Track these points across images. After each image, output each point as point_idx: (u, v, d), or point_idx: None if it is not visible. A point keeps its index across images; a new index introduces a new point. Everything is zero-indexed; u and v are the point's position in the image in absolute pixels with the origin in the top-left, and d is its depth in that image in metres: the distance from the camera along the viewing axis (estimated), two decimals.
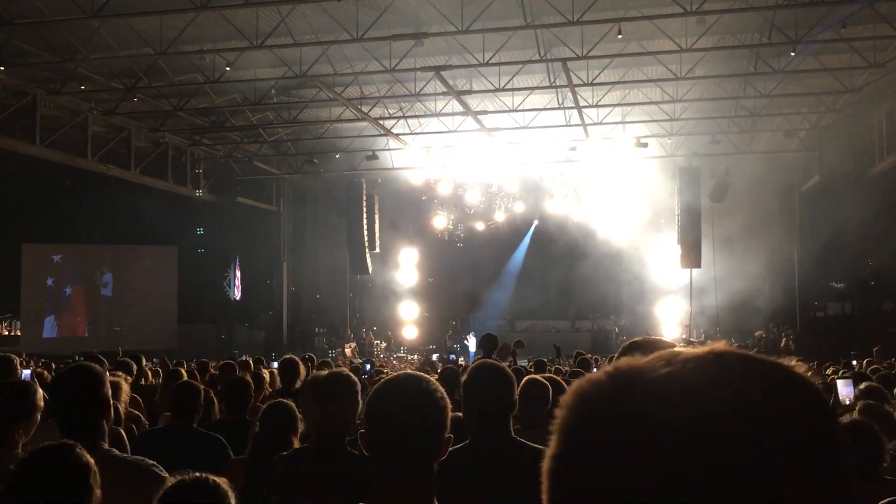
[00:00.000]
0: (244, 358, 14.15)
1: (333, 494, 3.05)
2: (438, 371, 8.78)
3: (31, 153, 20.60)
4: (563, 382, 5.13)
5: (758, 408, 0.63)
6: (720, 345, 0.70)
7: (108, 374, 3.38)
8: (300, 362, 6.88)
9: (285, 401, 4.28)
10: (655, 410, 0.63)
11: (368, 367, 10.72)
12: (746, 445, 0.61)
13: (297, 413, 4.10)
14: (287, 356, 7.28)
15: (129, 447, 4.15)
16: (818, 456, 0.63)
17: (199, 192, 26.38)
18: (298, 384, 6.29)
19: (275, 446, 3.77)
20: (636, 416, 0.64)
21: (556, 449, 0.68)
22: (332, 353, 26.41)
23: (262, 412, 4.29)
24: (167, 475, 2.65)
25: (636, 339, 2.15)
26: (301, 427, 4.08)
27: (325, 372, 3.44)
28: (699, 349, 0.69)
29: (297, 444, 3.92)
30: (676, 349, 0.70)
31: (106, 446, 2.97)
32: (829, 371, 10.71)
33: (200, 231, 30.08)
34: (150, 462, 2.94)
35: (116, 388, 4.99)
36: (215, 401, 5.82)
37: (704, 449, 0.61)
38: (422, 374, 2.16)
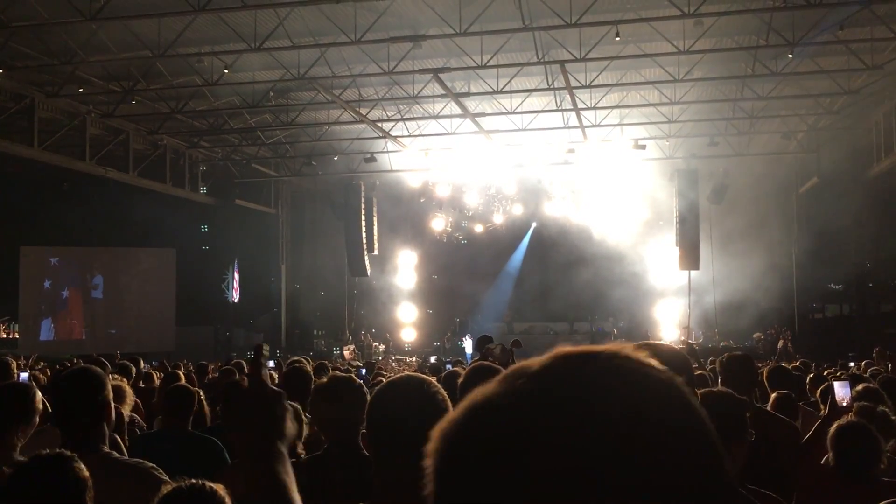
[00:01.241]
0: (241, 360, 14.10)
1: (363, 499, 3.02)
2: (442, 374, 8.75)
3: (29, 156, 20.57)
4: None
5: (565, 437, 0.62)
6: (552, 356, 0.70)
7: (109, 377, 3.37)
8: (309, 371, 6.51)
9: (295, 405, 4.24)
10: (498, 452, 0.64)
11: (364, 371, 10.50)
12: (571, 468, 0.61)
13: (302, 416, 4.06)
14: (297, 364, 6.80)
15: (126, 450, 4.15)
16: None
17: (203, 188, 26.31)
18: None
19: None
20: (488, 457, 0.64)
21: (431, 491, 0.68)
22: (336, 350, 26.42)
23: None
24: (167, 478, 2.65)
25: (637, 343, 2.15)
26: (305, 430, 4.04)
27: (329, 377, 3.42)
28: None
29: (300, 448, 3.90)
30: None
31: (106, 449, 2.97)
32: (826, 373, 10.71)
33: (205, 227, 29.87)
34: (150, 465, 2.94)
35: (121, 392, 4.99)
36: (205, 405, 5.77)
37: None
38: (423, 375, 2.17)
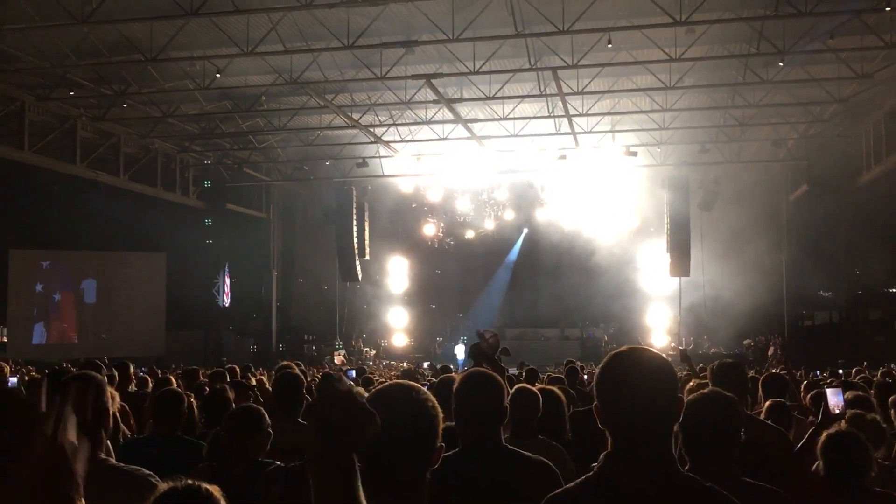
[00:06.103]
0: (234, 365, 14.02)
1: None
2: (428, 379, 8.72)
3: (20, 159, 20.49)
4: (560, 392, 5.12)
5: None
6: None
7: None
8: (301, 376, 6.23)
9: (254, 406, 4.17)
10: None
11: (353, 373, 10.36)
12: None
13: (266, 421, 3.97)
14: (287, 370, 6.58)
15: (113, 456, 4.12)
16: None
17: (195, 192, 26.17)
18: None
19: (232, 452, 3.76)
20: None
21: None
22: (335, 345, 26.59)
23: (226, 416, 4.17)
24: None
25: (622, 348, 2.15)
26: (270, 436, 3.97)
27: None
28: None
29: (256, 454, 3.85)
30: None
31: (102, 455, 2.96)
32: (818, 380, 10.74)
33: (208, 222, 29.45)
34: (147, 472, 2.92)
35: (112, 397, 4.93)
36: (195, 409, 5.70)
37: None
38: (413, 383, 2.15)
